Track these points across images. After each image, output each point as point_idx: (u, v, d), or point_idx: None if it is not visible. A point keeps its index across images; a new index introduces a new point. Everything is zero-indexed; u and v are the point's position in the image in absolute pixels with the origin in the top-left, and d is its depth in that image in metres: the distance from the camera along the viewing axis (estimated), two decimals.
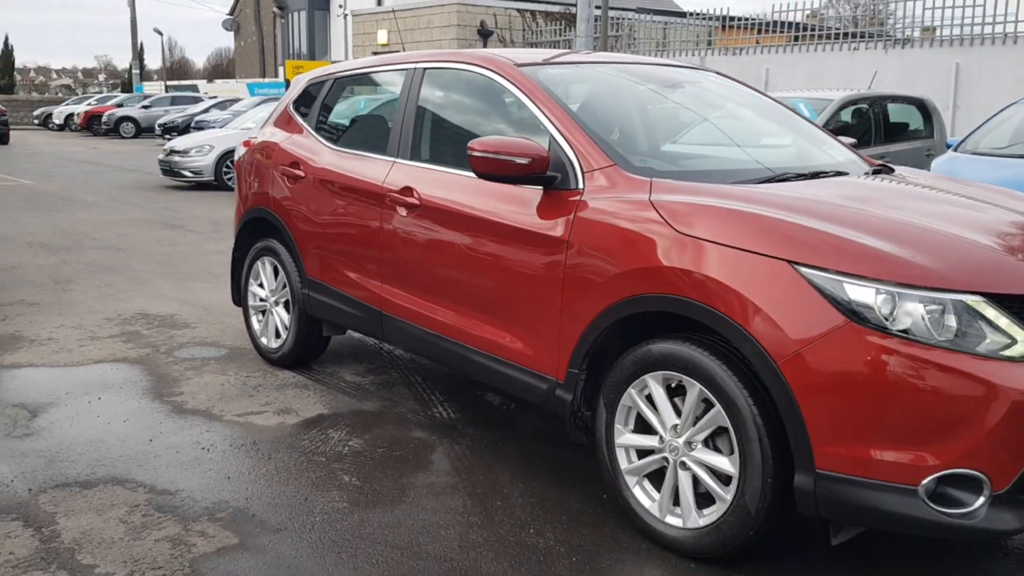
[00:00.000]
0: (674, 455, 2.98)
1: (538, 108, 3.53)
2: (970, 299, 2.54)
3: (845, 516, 2.64)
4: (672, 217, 2.95)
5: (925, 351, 2.51)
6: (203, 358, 5.19)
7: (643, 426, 3.09)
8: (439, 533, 3.13)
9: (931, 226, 2.84)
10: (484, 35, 20.09)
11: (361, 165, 4.28)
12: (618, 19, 18.52)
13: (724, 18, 19.60)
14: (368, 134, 4.46)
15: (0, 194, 13.90)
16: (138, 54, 49.72)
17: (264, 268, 5.02)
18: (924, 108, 9.76)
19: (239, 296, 5.31)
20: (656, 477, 3.08)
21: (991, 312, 2.54)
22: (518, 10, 20.90)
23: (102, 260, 8.39)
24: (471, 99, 4.04)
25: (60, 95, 61.81)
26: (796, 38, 15.07)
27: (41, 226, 10.55)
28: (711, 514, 2.89)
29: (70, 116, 40.37)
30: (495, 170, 3.32)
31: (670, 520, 3.01)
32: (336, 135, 4.64)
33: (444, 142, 4.00)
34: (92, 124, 36.01)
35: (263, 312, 5.09)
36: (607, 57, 4.26)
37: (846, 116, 9.01)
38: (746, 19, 19.59)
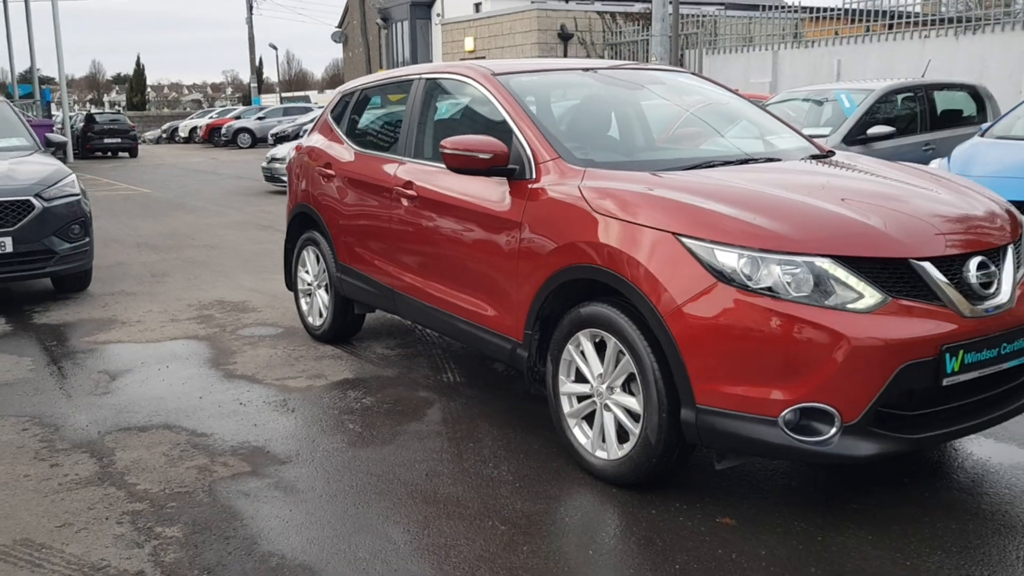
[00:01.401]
0: (600, 399, 3.55)
1: (505, 110, 4.14)
2: (820, 261, 3.03)
3: (721, 444, 3.16)
4: (591, 200, 3.52)
5: (781, 305, 3.01)
6: (260, 336, 5.99)
7: (580, 376, 3.66)
8: (413, 466, 3.78)
9: (803, 201, 3.32)
10: (564, 38, 20.69)
11: (377, 164, 4.98)
12: (698, 16, 18.78)
13: (810, 9, 19.57)
14: (384, 137, 5.16)
15: (119, 202, 15.32)
16: (256, 68, 52.38)
17: (309, 256, 5.78)
18: (977, 95, 9.84)
19: (290, 282, 6.09)
20: (591, 419, 3.64)
21: (841, 272, 3.02)
22: (598, 12, 21.39)
23: (196, 257, 9.40)
24: (459, 104, 4.68)
25: (188, 110, 65.37)
26: (868, 28, 15.11)
27: (150, 229, 11.73)
28: (626, 447, 3.44)
29: (194, 129, 43.01)
30: (463, 164, 3.95)
31: (599, 453, 3.57)
32: (361, 138, 5.36)
33: (438, 141, 4.63)
34: (213, 136, 38.29)
35: (309, 295, 5.86)
36: (581, 64, 4.82)
37: (888, 106, 9.22)
38: (831, 9, 19.49)
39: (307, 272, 5.84)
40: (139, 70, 65.52)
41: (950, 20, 13.55)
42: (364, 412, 4.47)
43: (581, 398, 3.67)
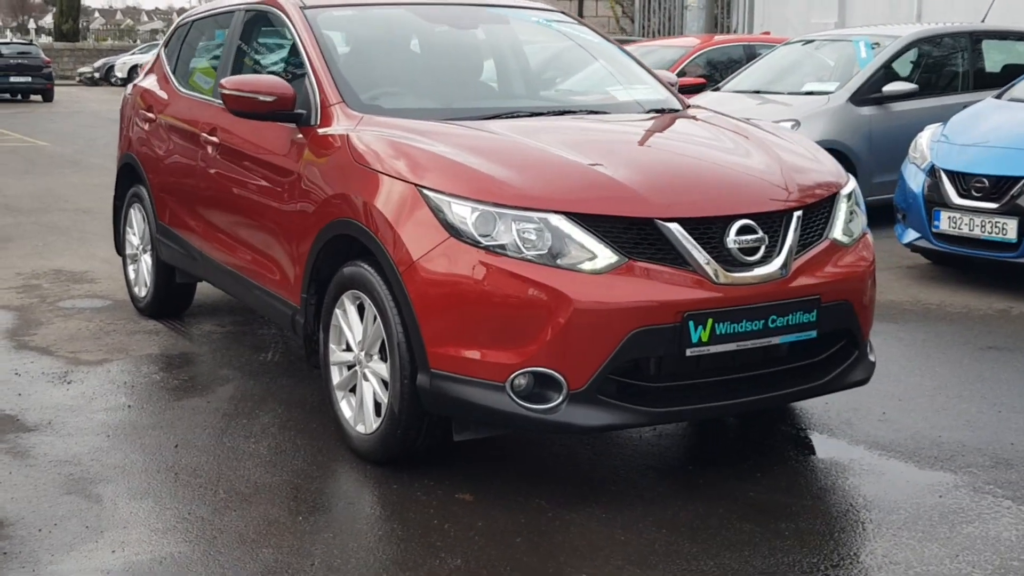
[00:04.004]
0: (360, 367, 4.38)
1: (303, 47, 4.99)
2: (554, 218, 3.82)
3: (455, 411, 3.98)
4: (354, 148, 4.37)
5: (509, 263, 3.81)
6: (81, 308, 6.93)
7: (349, 345, 4.49)
8: (165, 438, 4.64)
9: (557, 156, 4.14)
10: None
11: (193, 107, 5.88)
12: None
13: None
14: (203, 76, 6.06)
15: (1, 155, 16.49)
16: None
17: (136, 216, 6.70)
18: None
19: (120, 245, 7.01)
20: (357, 392, 4.47)
21: (575, 230, 3.81)
22: None
23: (60, 222, 10.41)
24: (270, 40, 5.56)
25: (137, 42, 66.92)
26: None
27: (20, 188, 12.80)
28: (380, 420, 4.26)
29: (134, 68, 44.44)
30: (244, 107, 4.80)
31: (358, 428, 4.39)
32: (184, 78, 6.26)
33: None
34: None
35: (136, 261, 6.77)
36: None
37: (919, 57, 9.92)
38: None
39: (134, 234, 6.75)
40: None
41: None
42: (147, 387, 5.36)
43: (349, 367, 4.49)
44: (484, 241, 3.85)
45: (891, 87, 9.39)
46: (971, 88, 9.89)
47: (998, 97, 8.22)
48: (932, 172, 7.48)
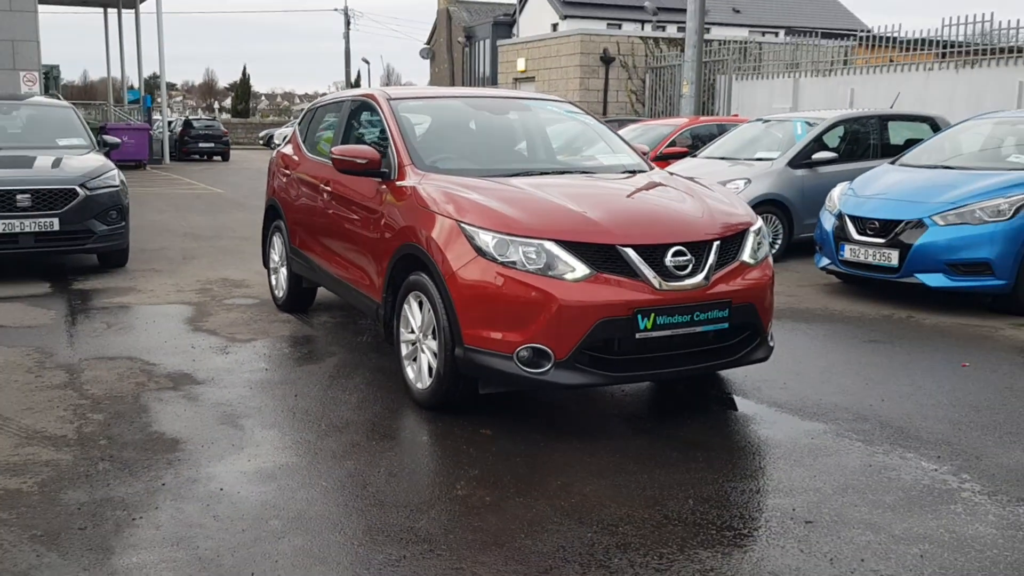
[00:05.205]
0: (419, 344, 4.77)
1: (388, 126, 5.42)
2: (548, 244, 4.20)
3: (479, 374, 4.35)
4: (418, 195, 4.77)
5: (518, 274, 4.19)
6: (239, 304, 7.40)
7: (412, 328, 4.89)
8: (289, 390, 5.06)
9: (552, 200, 4.50)
10: (606, 61, 21.87)
11: (315, 166, 6.33)
12: (728, 43, 19.62)
13: (863, 38, 20.17)
14: (322, 144, 6.51)
15: (189, 199, 17.17)
16: (355, 81, 54.99)
17: (276, 240, 7.16)
18: (935, 125, 10.61)
19: (265, 261, 7.47)
20: (416, 360, 4.87)
21: (561, 252, 4.19)
22: (641, 37, 22.45)
23: (227, 245, 10.94)
24: (368, 119, 5.97)
25: (288, 118, 68.33)
26: (891, 59, 15.82)
27: (203, 222, 13.39)
28: (431, 379, 4.65)
29: (286, 136, 45.57)
30: (346, 167, 5.23)
31: (418, 385, 4.78)
32: (311, 146, 6.71)
33: None
34: None
35: (276, 272, 7.23)
36: (463, 92, 6.06)
37: (841, 134, 10.13)
38: (883, 37, 19.96)
39: (275, 253, 7.22)
40: (245, 79, 69.33)
41: (950, 53, 14.23)
42: (279, 358, 5.79)
43: (412, 343, 4.89)
44: (500, 258, 4.23)
45: (818, 155, 9.63)
46: (880, 156, 10.06)
47: (892, 163, 8.43)
48: (840, 216, 7.72)
